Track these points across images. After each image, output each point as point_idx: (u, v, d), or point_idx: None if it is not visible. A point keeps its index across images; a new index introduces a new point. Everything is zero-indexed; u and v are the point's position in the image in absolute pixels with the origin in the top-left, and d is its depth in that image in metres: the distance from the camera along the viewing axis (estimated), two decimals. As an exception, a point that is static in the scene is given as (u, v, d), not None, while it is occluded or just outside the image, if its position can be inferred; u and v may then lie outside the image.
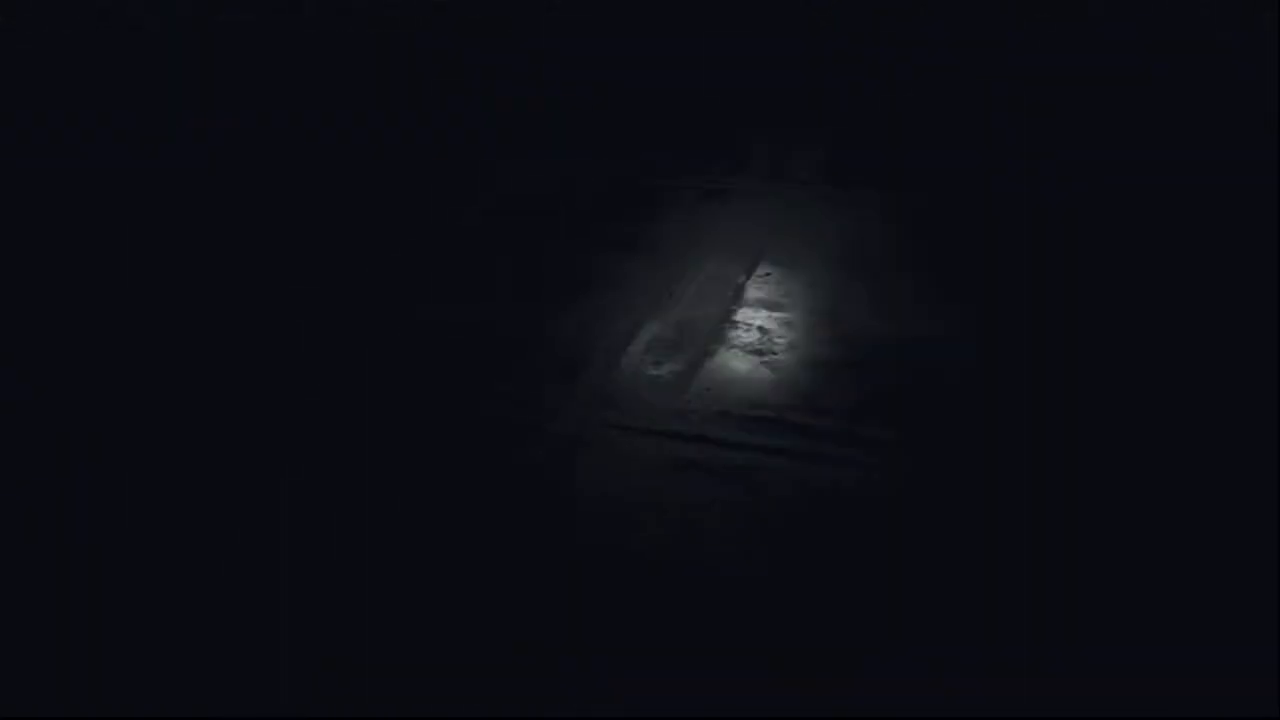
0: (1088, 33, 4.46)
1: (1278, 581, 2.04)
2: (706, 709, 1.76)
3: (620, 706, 1.76)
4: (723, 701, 1.78)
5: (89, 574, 2.11)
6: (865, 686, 1.82)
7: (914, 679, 1.83)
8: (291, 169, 4.85)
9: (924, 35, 4.72)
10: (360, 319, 3.31)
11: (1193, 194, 4.12)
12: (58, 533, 2.25)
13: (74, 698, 1.78)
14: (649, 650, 1.92)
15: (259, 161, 4.89)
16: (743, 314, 3.31)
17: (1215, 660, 1.85)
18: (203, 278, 3.63)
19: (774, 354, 3.06)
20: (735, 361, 3.05)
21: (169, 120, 4.78)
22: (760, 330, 3.20)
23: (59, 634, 1.94)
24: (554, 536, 2.23)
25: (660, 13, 5.11)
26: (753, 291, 3.47)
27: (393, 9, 5.26)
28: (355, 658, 1.88)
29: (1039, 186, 4.42)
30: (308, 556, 2.16)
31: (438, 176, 4.75)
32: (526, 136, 4.98)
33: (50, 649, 1.90)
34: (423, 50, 5.33)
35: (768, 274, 3.59)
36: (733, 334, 3.20)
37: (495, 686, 1.81)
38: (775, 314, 3.31)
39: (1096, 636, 1.93)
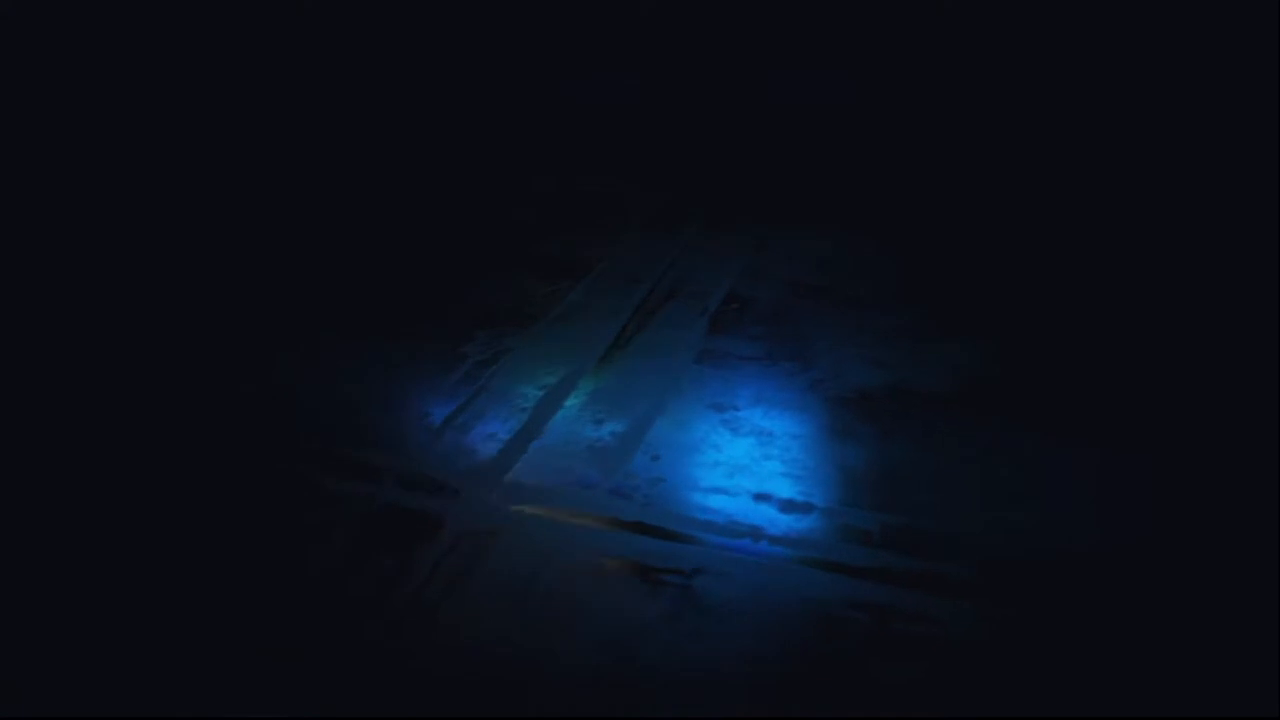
0: (1086, 33, 4.47)
1: (1278, 582, 2.04)
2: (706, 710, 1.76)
3: (620, 708, 1.77)
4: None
5: (89, 574, 2.11)
6: (864, 686, 1.82)
7: (912, 679, 1.83)
8: (294, 169, 4.85)
9: (924, 39, 4.74)
10: (360, 318, 3.32)
11: (1193, 194, 4.12)
12: (58, 533, 2.25)
13: (74, 698, 1.78)
14: None
15: (259, 162, 4.89)
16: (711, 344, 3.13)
17: (1215, 660, 1.86)
18: (203, 278, 3.63)
19: (735, 409, 2.77)
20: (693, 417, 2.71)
21: (168, 120, 4.79)
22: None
23: (59, 634, 1.94)
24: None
25: (672, 32, 5.14)
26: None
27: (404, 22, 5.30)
28: (356, 657, 1.88)
29: (1037, 186, 4.42)
30: (308, 556, 2.16)
31: (477, 184, 4.76)
32: (556, 159, 4.91)
33: (50, 649, 1.90)
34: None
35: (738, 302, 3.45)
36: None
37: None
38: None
39: (1096, 636, 1.93)
